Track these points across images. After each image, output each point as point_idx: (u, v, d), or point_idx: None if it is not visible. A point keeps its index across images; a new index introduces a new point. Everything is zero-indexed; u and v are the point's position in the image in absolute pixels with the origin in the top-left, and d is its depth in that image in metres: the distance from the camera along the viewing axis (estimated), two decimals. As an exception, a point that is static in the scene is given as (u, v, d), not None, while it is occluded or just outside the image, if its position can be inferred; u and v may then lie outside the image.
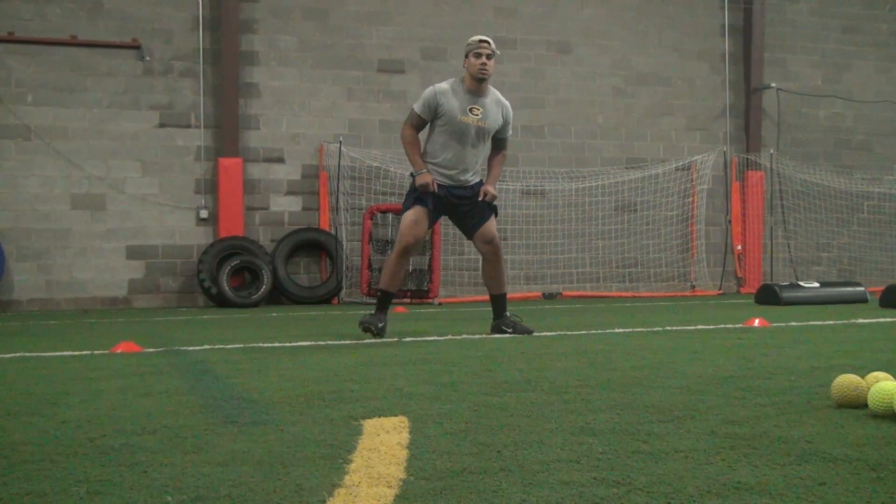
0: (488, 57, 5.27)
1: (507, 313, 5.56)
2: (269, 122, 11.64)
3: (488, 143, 5.55)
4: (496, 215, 5.57)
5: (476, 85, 5.33)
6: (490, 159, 5.67)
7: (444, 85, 5.35)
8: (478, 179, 5.53)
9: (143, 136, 11.17)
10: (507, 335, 5.36)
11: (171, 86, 11.28)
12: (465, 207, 5.47)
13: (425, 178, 5.28)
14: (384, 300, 5.36)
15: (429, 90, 5.36)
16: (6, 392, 3.18)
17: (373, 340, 5.17)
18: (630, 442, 2.07)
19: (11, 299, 10.70)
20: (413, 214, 5.30)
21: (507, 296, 5.67)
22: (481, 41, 5.29)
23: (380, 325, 5.22)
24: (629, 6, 13.25)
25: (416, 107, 5.38)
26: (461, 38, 12.51)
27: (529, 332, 5.41)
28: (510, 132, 5.72)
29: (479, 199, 5.45)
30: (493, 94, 5.48)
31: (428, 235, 11.21)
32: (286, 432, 2.27)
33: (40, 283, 10.81)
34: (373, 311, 5.36)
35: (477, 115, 5.34)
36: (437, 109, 5.31)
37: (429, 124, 5.43)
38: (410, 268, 11.17)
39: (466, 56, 5.33)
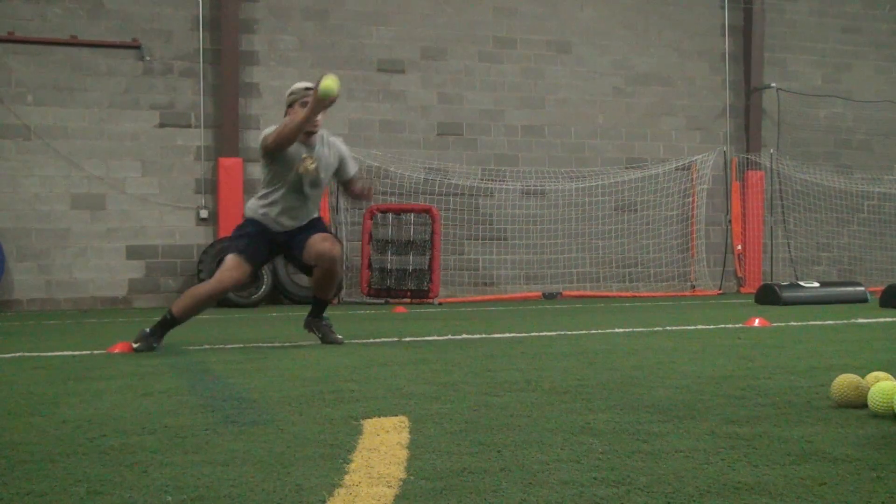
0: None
1: (325, 318, 5.08)
2: (269, 122, 11.60)
3: (322, 191, 5.05)
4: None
5: (305, 137, 4.79)
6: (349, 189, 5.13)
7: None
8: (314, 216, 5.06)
9: (143, 136, 11.17)
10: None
11: (171, 86, 11.28)
12: (296, 231, 4.95)
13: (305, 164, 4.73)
14: (169, 325, 4.79)
15: (267, 132, 4.77)
16: (6, 392, 3.18)
17: (372, 340, 5.17)
18: (630, 442, 2.07)
19: (11, 299, 10.70)
20: (233, 260, 4.78)
21: (327, 305, 5.12)
22: (308, 89, 4.72)
23: (154, 346, 4.72)
24: (629, 6, 13.25)
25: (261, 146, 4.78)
26: (461, 38, 12.56)
27: (339, 342, 4.97)
28: (355, 168, 5.11)
29: (357, 190, 5.05)
30: (322, 137, 4.92)
31: (427, 234, 11.25)
32: (286, 432, 2.27)
33: (40, 283, 10.81)
34: (153, 329, 4.77)
35: (312, 164, 4.82)
36: (270, 157, 4.79)
37: (266, 173, 4.89)
38: (410, 268, 11.18)
39: (291, 105, 4.78)
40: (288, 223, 4.90)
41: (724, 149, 13.56)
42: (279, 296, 11.38)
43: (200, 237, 11.33)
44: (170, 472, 1.85)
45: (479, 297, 11.86)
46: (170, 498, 1.64)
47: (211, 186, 11.37)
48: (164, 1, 11.25)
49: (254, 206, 4.95)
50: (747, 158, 13.58)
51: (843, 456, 1.87)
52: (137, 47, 11.10)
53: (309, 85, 4.76)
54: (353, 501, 1.60)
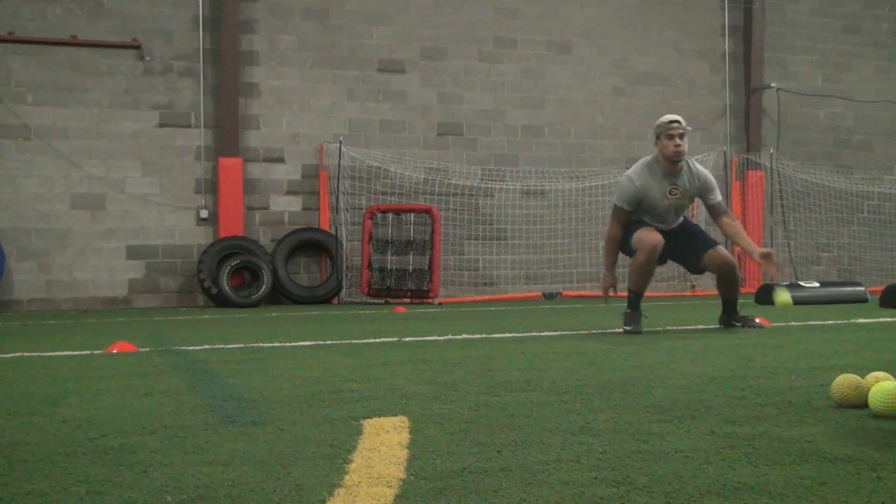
0: (681, 136, 5.32)
1: (738, 311, 5.75)
2: (269, 122, 11.64)
3: (687, 208, 5.68)
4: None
5: (672, 166, 5.39)
6: (728, 232, 5.60)
7: (640, 176, 5.40)
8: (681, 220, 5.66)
9: (143, 136, 11.17)
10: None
11: (171, 86, 11.28)
12: (676, 240, 5.55)
13: (607, 282, 5.51)
14: (635, 300, 5.54)
15: (627, 186, 5.41)
16: (6, 392, 3.18)
17: (372, 340, 5.18)
18: (630, 442, 2.07)
19: (11, 299, 10.71)
20: (647, 232, 5.39)
21: (736, 302, 5.76)
22: (672, 122, 5.32)
23: (635, 325, 5.44)
24: (629, 6, 13.25)
25: (619, 202, 5.46)
26: (461, 38, 12.56)
27: (759, 327, 5.61)
28: (718, 197, 5.63)
29: (767, 274, 5.66)
30: (688, 166, 5.49)
31: (427, 234, 11.24)
32: (286, 432, 2.27)
33: (40, 283, 10.81)
34: (629, 312, 5.51)
35: (676, 195, 5.44)
36: (641, 202, 5.41)
37: None
38: (410, 268, 11.18)
39: (658, 137, 5.37)
40: (666, 228, 5.55)
41: (724, 149, 13.56)
42: (279, 296, 11.38)
43: (200, 237, 11.34)
44: (170, 472, 1.85)
45: (479, 297, 11.86)
46: (170, 498, 1.64)
47: (211, 186, 11.37)
48: (164, 1, 11.26)
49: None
50: (747, 158, 13.57)
51: (843, 456, 1.87)
52: (137, 47, 11.10)
53: (674, 117, 5.38)
54: (353, 501, 1.60)
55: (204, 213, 11.32)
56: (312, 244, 11.61)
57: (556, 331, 5.76)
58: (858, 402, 2.45)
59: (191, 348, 4.86)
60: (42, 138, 10.82)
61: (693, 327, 5.91)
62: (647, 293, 5.78)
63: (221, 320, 7.98)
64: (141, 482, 1.76)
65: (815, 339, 4.90)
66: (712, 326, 5.95)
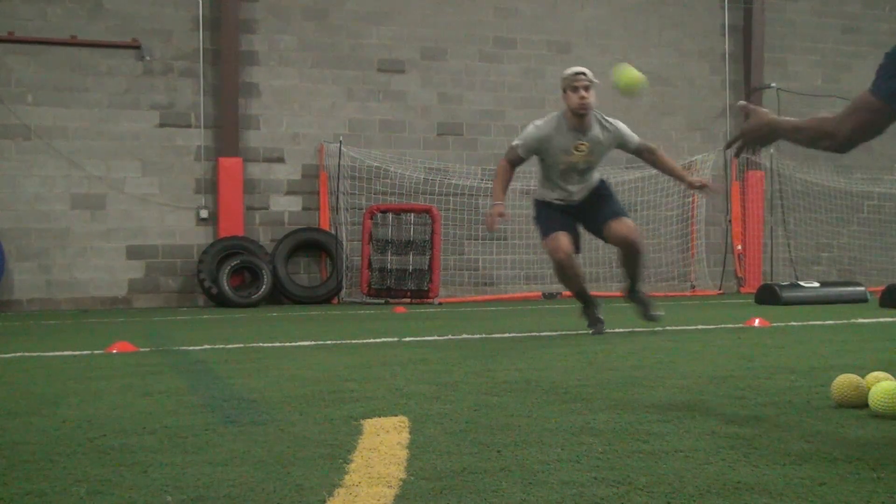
0: (586, 89, 5.08)
1: (638, 292, 5.51)
2: (269, 122, 11.64)
3: (598, 167, 5.45)
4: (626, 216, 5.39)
5: (578, 120, 5.17)
6: (656, 166, 5.59)
7: (546, 126, 5.17)
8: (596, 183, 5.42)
9: (143, 136, 11.17)
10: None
11: (171, 86, 11.28)
12: (585, 207, 5.37)
13: (495, 210, 5.08)
14: (584, 303, 5.42)
15: (531, 131, 5.18)
16: (6, 392, 3.18)
17: (372, 340, 5.18)
18: (630, 442, 2.07)
19: (11, 299, 10.70)
20: (552, 241, 5.19)
21: (637, 280, 5.53)
22: (577, 73, 5.08)
23: (597, 324, 5.36)
24: (629, 6, 13.25)
25: (517, 145, 5.21)
26: (461, 38, 12.55)
27: (655, 319, 5.50)
28: (636, 139, 5.46)
29: (697, 187, 5.35)
30: (597, 120, 5.27)
31: (427, 234, 11.26)
32: (286, 432, 2.27)
33: (40, 283, 10.81)
34: (588, 315, 5.42)
35: (583, 150, 5.22)
36: (540, 152, 5.20)
37: (539, 165, 5.33)
38: (410, 268, 11.18)
39: (564, 91, 5.11)
40: (575, 196, 5.33)
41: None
42: (279, 296, 11.38)
43: (200, 237, 11.33)
44: (170, 472, 1.85)
45: (479, 297, 11.86)
46: (170, 498, 1.64)
47: (211, 186, 11.37)
48: (164, 1, 11.25)
49: (540, 193, 5.41)
50: (747, 158, 13.57)
51: (843, 456, 1.87)
52: (137, 47, 11.10)
53: (579, 69, 5.12)
54: (353, 501, 1.60)
55: (204, 213, 11.32)
56: (312, 244, 11.61)
57: (556, 331, 5.76)
58: (858, 402, 2.45)
59: (191, 348, 4.86)
60: (42, 138, 10.82)
61: (693, 327, 5.91)
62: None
63: (221, 320, 7.98)
64: (141, 482, 1.76)
65: (815, 339, 4.90)
66: (712, 326, 5.95)
